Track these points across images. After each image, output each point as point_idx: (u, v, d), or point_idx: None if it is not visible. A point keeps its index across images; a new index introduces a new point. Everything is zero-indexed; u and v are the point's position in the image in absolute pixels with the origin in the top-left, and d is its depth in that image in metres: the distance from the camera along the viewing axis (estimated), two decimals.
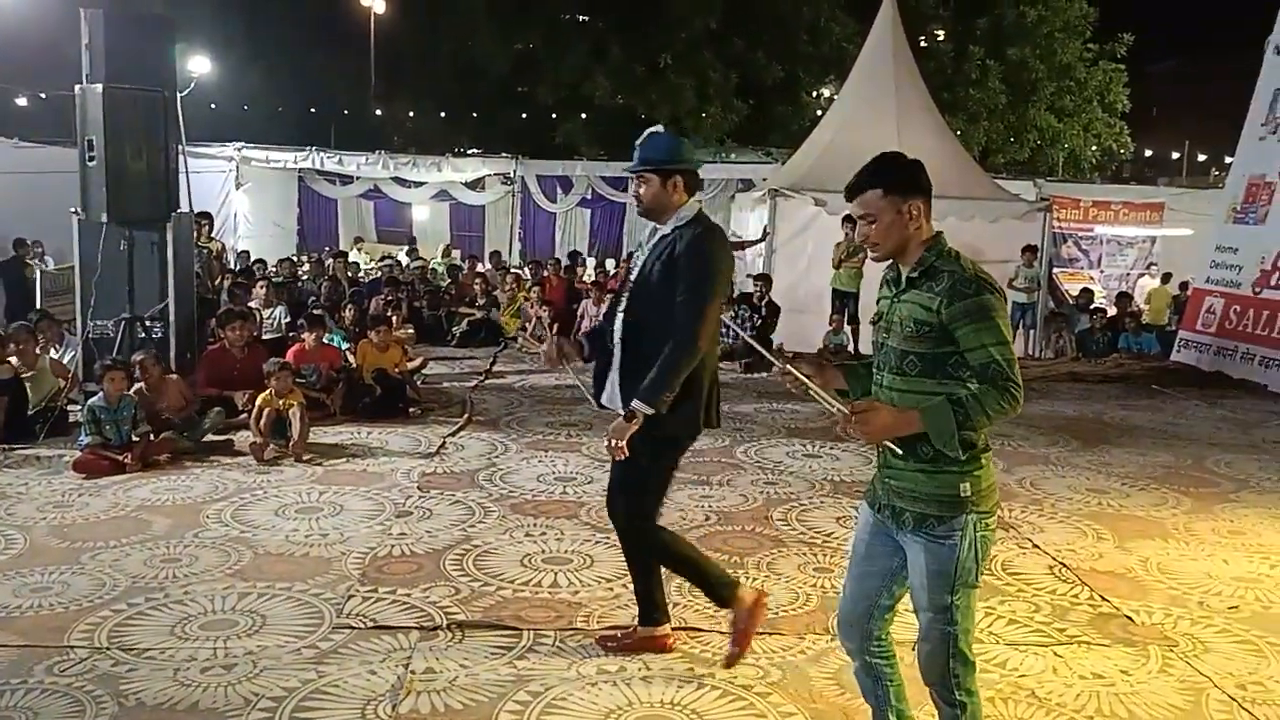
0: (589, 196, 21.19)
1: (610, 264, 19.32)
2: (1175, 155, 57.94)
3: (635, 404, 3.89)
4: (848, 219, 12.61)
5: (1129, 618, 4.96)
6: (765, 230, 13.43)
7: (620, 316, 4.11)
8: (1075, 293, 15.70)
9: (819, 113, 23.47)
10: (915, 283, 2.95)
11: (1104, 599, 5.18)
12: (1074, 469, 7.80)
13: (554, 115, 28.73)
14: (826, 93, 27.99)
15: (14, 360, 8.09)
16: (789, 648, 4.48)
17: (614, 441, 3.91)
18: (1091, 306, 14.48)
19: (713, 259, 3.98)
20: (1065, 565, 5.65)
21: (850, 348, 12.93)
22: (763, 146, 24.94)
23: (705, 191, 16.02)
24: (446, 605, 4.83)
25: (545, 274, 15.35)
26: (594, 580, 5.21)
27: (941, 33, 29.02)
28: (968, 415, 2.80)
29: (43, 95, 28.01)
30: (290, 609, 4.79)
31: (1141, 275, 20.14)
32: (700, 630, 4.58)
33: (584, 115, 28.48)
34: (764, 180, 16.36)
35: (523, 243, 21.15)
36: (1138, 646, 4.63)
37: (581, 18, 28.20)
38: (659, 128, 4.24)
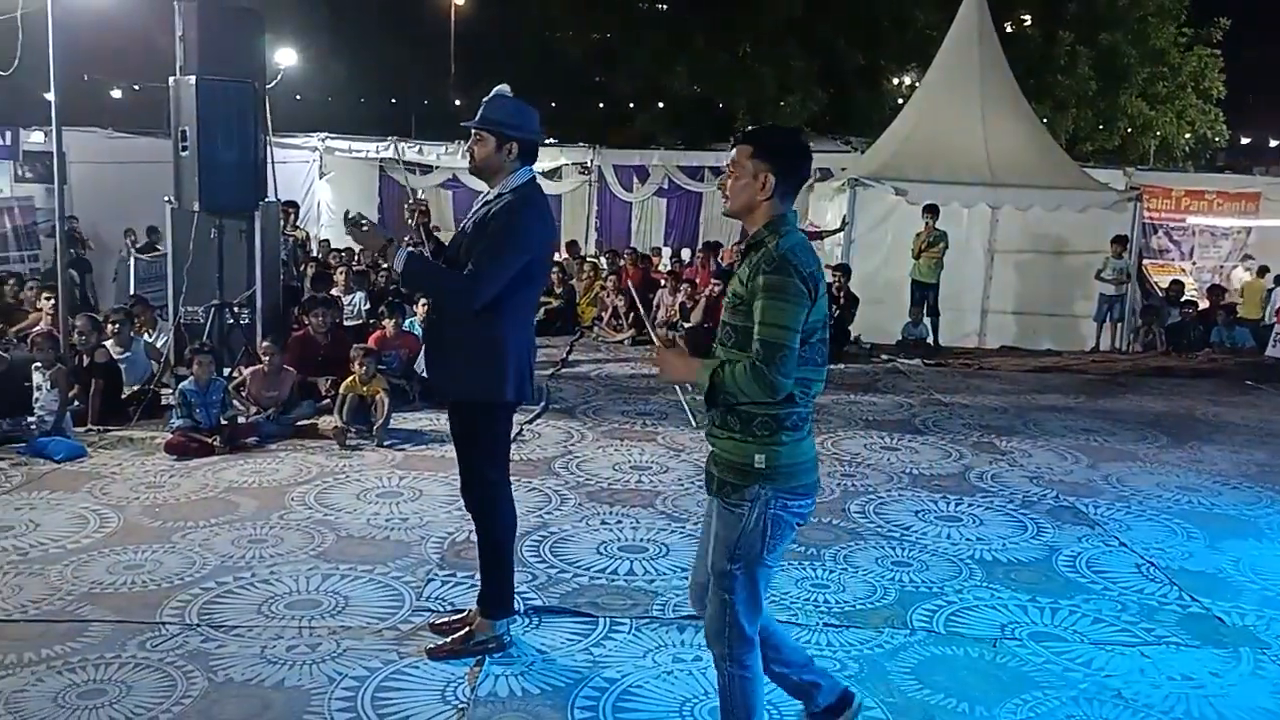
0: (666, 186, 21.14)
1: (686, 254, 19.28)
2: (1274, 143, 55.91)
3: (405, 250, 3.96)
4: (928, 209, 12.42)
5: (1220, 619, 4.82)
6: (844, 220, 13.27)
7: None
8: (1165, 285, 15.23)
9: (900, 101, 23.09)
10: (745, 255, 3.07)
11: (1194, 599, 5.04)
12: (1163, 465, 7.59)
13: (631, 105, 28.74)
14: (908, 80, 27.53)
15: (110, 344, 8.35)
16: (866, 641, 4.43)
17: None
18: (1182, 299, 14.04)
19: (519, 229, 3.95)
20: (1153, 564, 5.51)
21: (930, 339, 12.74)
22: (842, 135, 24.64)
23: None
24: (523, 590, 4.87)
25: (622, 263, 15.36)
26: (670, 569, 5.22)
27: (1029, 18, 28.32)
28: (724, 381, 2.95)
29: (136, 87, 28.86)
30: (371, 591, 4.89)
31: (1235, 267, 19.46)
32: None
33: (661, 105, 28.45)
34: (843, 170, 16.16)
35: (599, 232, 21.19)
36: (1228, 648, 4.49)
37: (661, 6, 28.14)
38: (505, 88, 4.17)
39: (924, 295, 12.70)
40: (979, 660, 4.28)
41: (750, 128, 3.17)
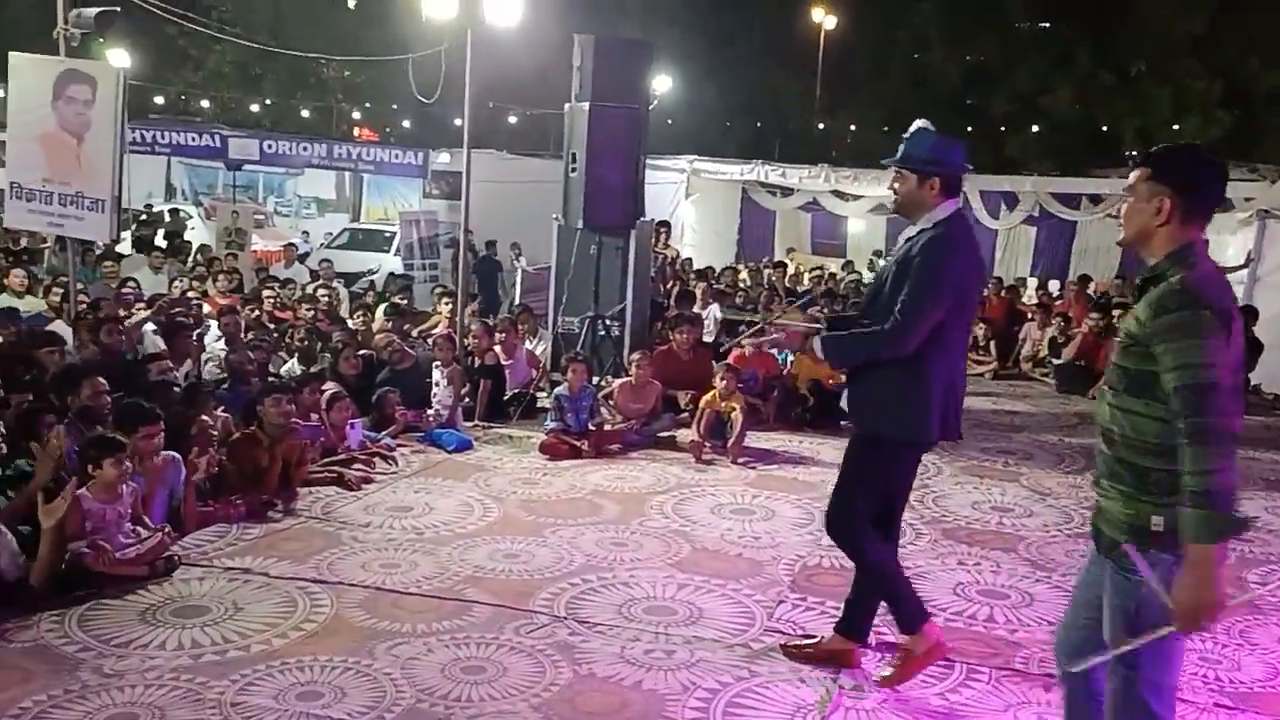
0: (1035, 214, 20.01)
1: (1054, 285, 18.15)
2: None
3: (819, 338, 3.96)
4: None
5: None
6: (1249, 256, 11.95)
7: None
8: None
9: None
10: (1143, 290, 2.80)
11: None
12: None
13: (1003, 128, 27.56)
14: None
15: (498, 349, 9.11)
16: None
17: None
18: None
19: (939, 268, 3.79)
20: None
21: None
22: (1247, 162, 22.24)
23: None
24: (875, 624, 4.76)
25: (985, 293, 14.73)
26: (1034, 620, 4.91)
27: None
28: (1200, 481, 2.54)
29: (528, 113, 31.44)
30: (724, 605, 4.97)
31: None
32: None
33: (1035, 128, 27.06)
34: (1248, 200, 14.56)
35: None
36: None
37: (1043, 25, 26.81)
38: (925, 123, 3.98)
39: None
40: None
41: (1151, 150, 2.89)
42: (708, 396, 7.94)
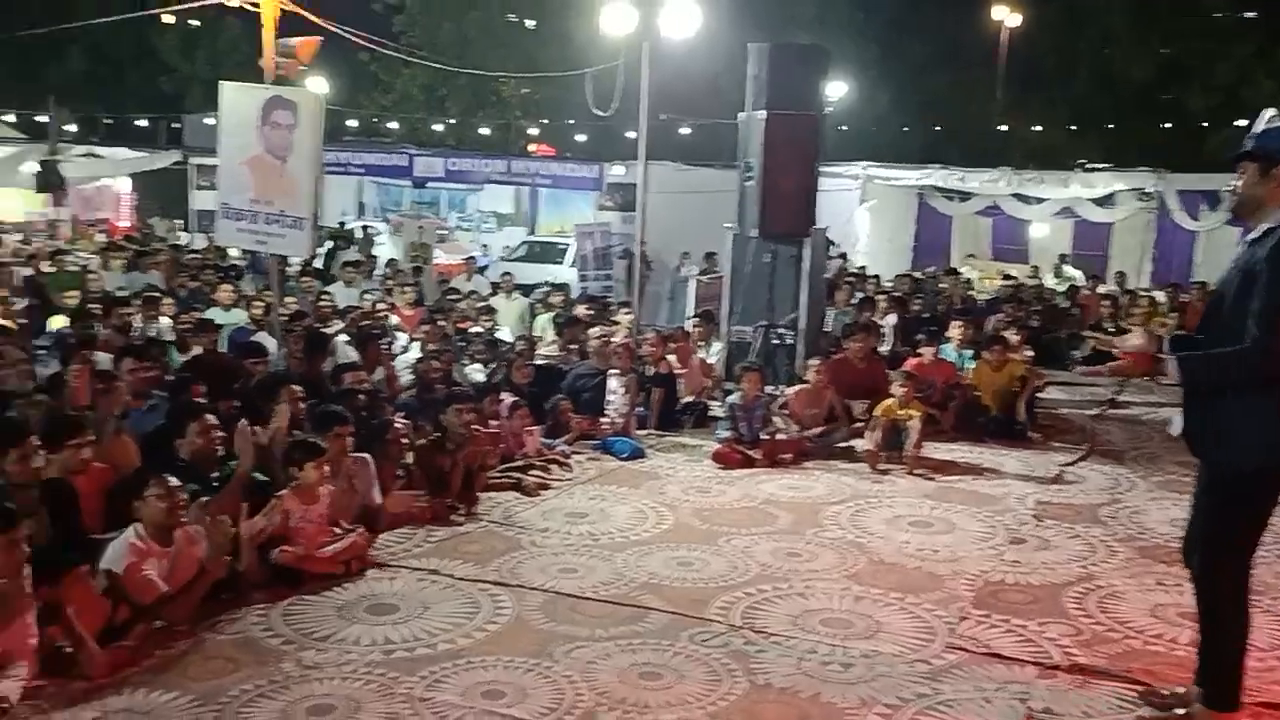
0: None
1: None
2: None
3: (1172, 359, 3.58)
4: None
5: None
6: None
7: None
8: None
9: None
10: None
11: None
12: None
13: (1204, 124, 25.99)
14: None
15: (671, 358, 9.18)
16: None
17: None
18: None
19: None
20: None
21: None
22: None
23: None
24: (1066, 645, 4.57)
25: (1186, 298, 13.91)
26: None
27: None
28: None
29: (699, 124, 31.60)
30: (903, 620, 4.86)
31: None
32: None
33: (1239, 124, 25.39)
34: None
35: (1155, 264, 19.36)
36: None
37: (1247, 15, 25.18)
38: (1273, 111, 3.63)
39: None
40: None
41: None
42: (884, 405, 7.78)
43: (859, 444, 8.02)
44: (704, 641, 4.57)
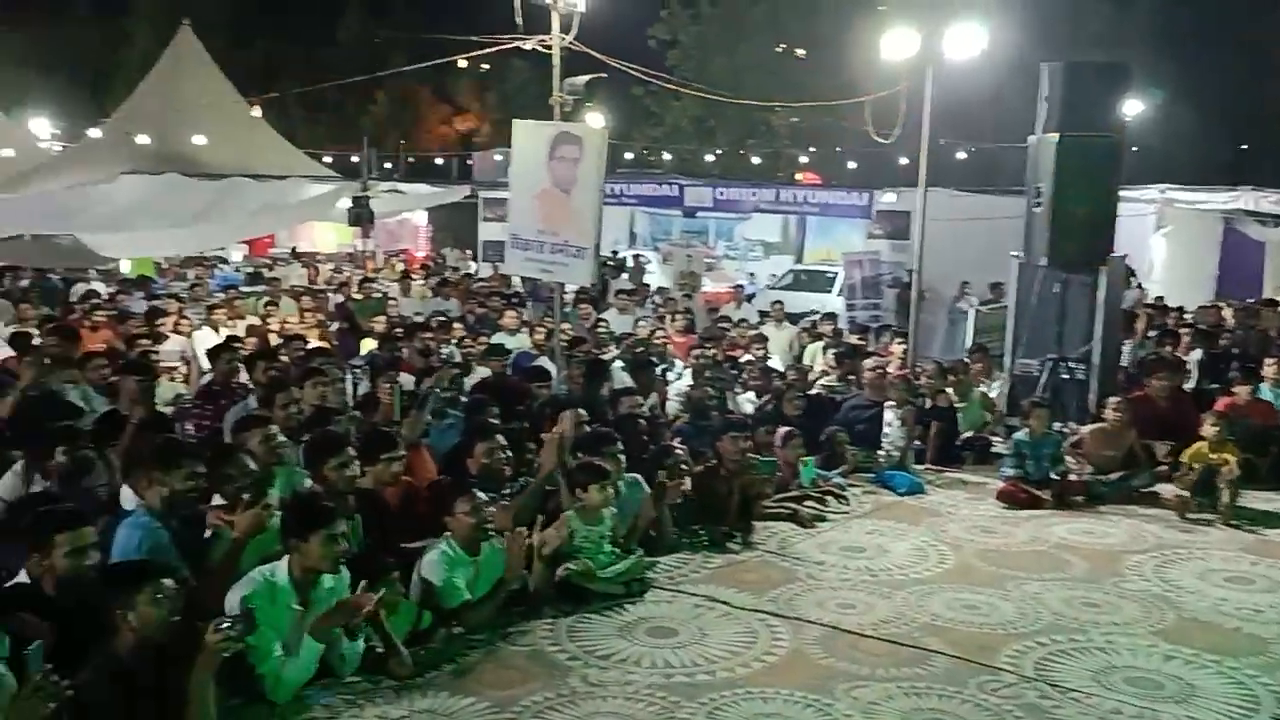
0: None
1: None
2: None
3: None
4: None
5: None
6: None
7: None
8: None
9: None
10: None
11: None
12: None
13: None
14: None
15: (950, 390, 8.83)
16: None
17: None
18: None
19: None
20: None
21: None
22: None
23: None
24: None
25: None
26: None
27: None
28: None
29: (977, 148, 30.46)
30: (1222, 685, 4.44)
31: None
32: None
33: None
34: None
35: None
36: None
37: None
38: None
39: None
40: None
41: None
42: (1194, 448, 7.14)
43: (1163, 489, 7.40)
44: (994, 691, 4.33)
